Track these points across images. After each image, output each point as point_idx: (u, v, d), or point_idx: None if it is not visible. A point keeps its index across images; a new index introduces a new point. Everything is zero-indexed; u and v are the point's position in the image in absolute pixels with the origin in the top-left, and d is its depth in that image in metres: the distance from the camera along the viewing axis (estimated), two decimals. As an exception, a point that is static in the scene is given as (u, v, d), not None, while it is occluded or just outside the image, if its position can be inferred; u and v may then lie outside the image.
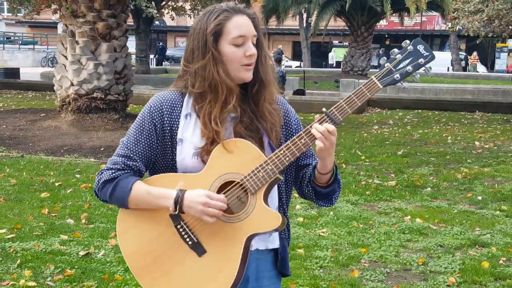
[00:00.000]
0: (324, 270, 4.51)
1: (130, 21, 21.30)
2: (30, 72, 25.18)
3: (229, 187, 1.93)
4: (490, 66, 41.43)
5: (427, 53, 1.97)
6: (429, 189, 7.12)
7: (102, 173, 2.01)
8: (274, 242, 2.08)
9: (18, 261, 4.49)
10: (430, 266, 4.63)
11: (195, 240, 1.95)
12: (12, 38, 42.89)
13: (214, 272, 1.93)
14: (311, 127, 1.93)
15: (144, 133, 2.00)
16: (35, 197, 6.30)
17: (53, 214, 5.73)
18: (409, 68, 1.96)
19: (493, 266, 4.58)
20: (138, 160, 2.00)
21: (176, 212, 1.90)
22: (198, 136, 1.98)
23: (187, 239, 1.95)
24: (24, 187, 6.71)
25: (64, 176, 7.30)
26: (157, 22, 36.98)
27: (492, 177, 7.79)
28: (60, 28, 21.67)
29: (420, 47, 1.97)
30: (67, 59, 11.59)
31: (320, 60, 43.30)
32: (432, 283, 4.30)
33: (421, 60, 1.96)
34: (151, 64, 32.05)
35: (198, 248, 1.95)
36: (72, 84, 11.41)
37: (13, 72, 23.13)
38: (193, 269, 1.96)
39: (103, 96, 11.41)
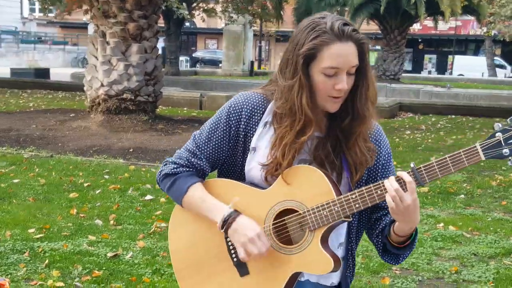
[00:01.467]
0: (355, 277, 4.40)
1: (161, 22, 21.44)
2: (60, 73, 25.49)
3: (291, 215, 1.82)
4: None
5: None
6: (462, 196, 6.95)
7: (166, 164, 1.95)
8: (329, 278, 1.93)
9: (46, 261, 4.49)
10: (463, 275, 4.50)
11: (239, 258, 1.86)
12: (43, 38, 43.56)
13: None
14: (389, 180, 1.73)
15: (217, 132, 1.90)
16: (64, 197, 6.32)
17: (82, 215, 5.73)
18: None
19: (529, 277, 4.43)
20: (203, 159, 1.91)
21: (222, 230, 1.82)
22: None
23: (233, 256, 1.87)
24: (53, 187, 6.74)
25: (93, 176, 7.32)
26: (187, 24, 37.19)
27: (528, 185, 7.58)
28: (90, 28, 21.91)
29: None
30: (97, 59, 11.66)
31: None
32: (466, 294, 4.17)
33: None
34: (181, 67, 32.23)
35: (242, 268, 1.87)
36: (102, 85, 11.48)
37: (43, 72, 23.44)
38: (231, 287, 1.89)
39: (133, 97, 11.45)
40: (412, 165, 1.75)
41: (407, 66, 32.75)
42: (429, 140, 11.32)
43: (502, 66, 40.26)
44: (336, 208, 1.77)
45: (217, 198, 1.87)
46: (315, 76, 1.77)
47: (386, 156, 1.94)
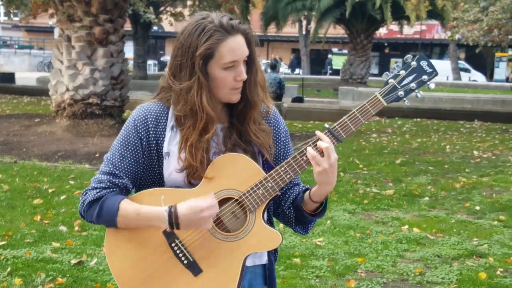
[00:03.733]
0: (320, 280, 4.44)
1: (128, 26, 21.31)
2: (26, 77, 25.10)
3: (226, 204, 1.85)
4: (490, 75, 41.49)
5: (431, 70, 1.93)
6: (427, 198, 7.06)
7: (86, 193, 1.89)
8: (262, 257, 1.99)
9: (9, 269, 4.41)
10: (427, 276, 4.56)
11: (191, 259, 1.85)
12: (8, 42, 42.88)
13: None
14: (309, 144, 1.85)
15: (129, 147, 1.89)
16: (28, 204, 6.22)
17: (46, 221, 5.65)
18: (413, 85, 1.92)
19: (490, 277, 4.52)
20: (124, 177, 1.89)
21: (174, 230, 1.81)
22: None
23: (182, 258, 1.85)
24: (17, 193, 6.63)
25: (58, 182, 7.22)
26: (155, 28, 36.99)
27: (490, 187, 7.73)
28: (56, 32, 21.66)
29: (424, 63, 1.93)
30: (63, 64, 11.53)
31: (320, 67, 43.38)
32: (429, 295, 4.23)
33: (425, 77, 1.93)
34: (148, 70, 32.00)
35: (194, 268, 1.85)
36: (67, 89, 11.34)
37: (9, 77, 23.06)
38: None
39: (99, 102, 11.33)
40: (326, 125, 1.88)
41: (374, 69, 33.13)
42: (395, 143, 11.47)
43: (466, 70, 41.01)
44: (270, 184, 1.84)
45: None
46: (215, 73, 1.85)
47: (285, 133, 2.04)
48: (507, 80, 38.45)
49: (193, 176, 1.86)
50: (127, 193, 1.92)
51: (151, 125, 1.91)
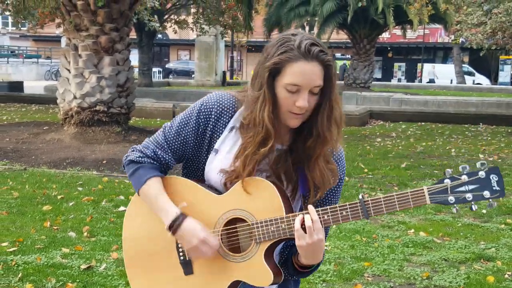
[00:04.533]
0: (327, 285, 4.47)
1: (133, 34, 21.40)
2: (33, 86, 25.23)
3: (243, 224, 1.86)
4: (494, 78, 41.44)
5: (498, 189, 1.74)
6: (432, 202, 7.06)
7: (133, 150, 1.98)
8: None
9: (20, 274, 4.46)
10: (434, 280, 4.57)
11: (187, 259, 1.91)
12: (16, 52, 43.13)
13: None
14: (304, 213, 1.79)
15: (186, 128, 1.92)
16: (37, 210, 6.29)
17: (55, 227, 5.71)
18: (469, 196, 1.74)
19: (498, 281, 4.53)
20: (169, 153, 1.94)
21: (169, 233, 1.86)
22: (233, 156, 1.88)
23: (181, 254, 1.92)
24: (27, 200, 6.70)
25: (66, 189, 7.28)
26: (159, 36, 37.14)
27: (496, 190, 7.72)
28: (63, 42, 21.77)
29: (493, 178, 1.74)
30: (70, 72, 11.62)
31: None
32: (436, 298, 4.25)
33: (486, 193, 1.74)
34: (153, 78, 32.09)
35: (187, 267, 1.91)
36: (75, 97, 11.43)
37: (17, 86, 23.21)
38: (174, 284, 1.94)
39: (105, 109, 11.42)
40: (360, 197, 1.79)
41: (377, 74, 33.16)
42: (400, 147, 11.49)
43: (470, 73, 40.97)
44: (283, 226, 1.81)
45: (173, 195, 1.90)
46: (278, 90, 1.79)
47: (338, 182, 1.95)
48: (511, 83, 38.38)
49: (233, 180, 1.86)
50: (167, 168, 1.98)
51: (213, 117, 1.90)
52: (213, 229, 1.88)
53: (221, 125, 1.90)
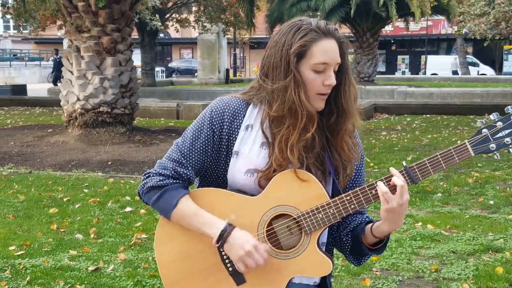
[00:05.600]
0: (335, 280, 4.45)
1: (135, 34, 21.41)
2: (37, 88, 25.28)
3: (282, 221, 1.82)
4: (498, 69, 41.28)
5: None
6: (439, 194, 7.05)
7: (149, 176, 1.89)
8: (312, 278, 1.94)
9: (28, 278, 4.46)
10: (443, 273, 4.55)
11: (236, 268, 1.84)
12: (18, 55, 43.24)
13: None
14: (381, 179, 1.82)
15: (201, 138, 1.87)
16: (44, 213, 6.29)
17: (62, 230, 5.71)
18: (508, 140, 1.80)
19: (507, 272, 4.50)
20: (189, 168, 1.87)
21: (217, 245, 1.79)
22: (257, 153, 1.85)
23: (228, 265, 1.85)
24: (33, 203, 6.70)
25: (72, 191, 7.29)
26: (161, 35, 37.15)
27: (503, 181, 7.70)
28: (65, 43, 21.82)
29: None
30: (72, 74, 11.63)
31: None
32: (445, 290, 4.23)
33: None
34: (156, 77, 32.09)
35: (238, 277, 1.84)
36: (78, 99, 11.45)
37: (20, 89, 23.26)
38: None
39: (109, 110, 11.43)
40: (404, 164, 1.82)
41: (381, 67, 33.10)
42: (405, 140, 11.45)
43: (474, 64, 40.83)
44: (331, 211, 1.80)
45: (207, 208, 1.85)
46: (305, 74, 1.81)
47: (361, 159, 2.00)
48: (516, 73, 38.21)
49: (272, 176, 1.82)
50: (189, 184, 1.91)
51: (226, 120, 1.87)
52: (257, 232, 1.83)
53: (235, 126, 1.87)
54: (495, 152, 1.81)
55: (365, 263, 2.01)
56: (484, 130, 1.81)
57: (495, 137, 1.80)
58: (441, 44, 47.70)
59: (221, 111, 1.87)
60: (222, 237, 1.77)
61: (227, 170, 1.88)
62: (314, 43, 1.79)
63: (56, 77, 25.45)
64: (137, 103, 12.33)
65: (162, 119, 15.32)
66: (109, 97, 11.44)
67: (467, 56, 40.06)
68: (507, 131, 1.80)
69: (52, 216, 6.17)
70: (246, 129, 1.87)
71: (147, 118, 15.24)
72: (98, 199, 6.82)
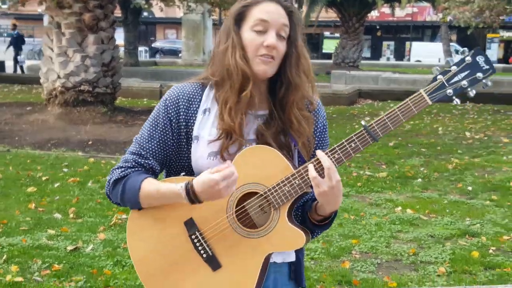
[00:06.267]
0: (315, 262, 4.48)
1: (118, 12, 21.17)
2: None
3: (252, 198, 1.79)
4: (481, 57, 41.55)
5: (487, 67, 1.76)
6: (420, 180, 7.10)
7: (112, 172, 1.87)
8: (291, 255, 1.93)
9: (5, 256, 4.42)
10: (420, 256, 4.61)
11: (210, 254, 1.81)
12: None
13: None
14: (312, 162, 1.76)
15: (158, 129, 1.86)
16: (22, 192, 6.22)
17: (40, 209, 5.65)
18: (464, 82, 1.76)
19: (483, 256, 4.58)
20: (150, 158, 1.85)
21: (191, 203, 1.73)
22: (215, 134, 1.82)
23: (202, 252, 1.82)
24: (11, 181, 6.62)
25: (51, 170, 7.22)
26: (145, 14, 36.79)
27: (482, 168, 7.78)
28: (46, 20, 21.49)
29: (480, 59, 1.77)
30: (53, 51, 11.46)
31: (312, 51, 43.26)
32: (422, 273, 4.28)
33: (479, 75, 1.76)
34: (140, 57, 31.80)
35: (213, 262, 1.81)
36: (58, 77, 11.29)
37: (-2, 65, 22.88)
38: (206, 284, 1.83)
39: (90, 89, 11.30)
40: (363, 123, 1.78)
41: (366, 53, 33.16)
42: (388, 126, 11.48)
43: (457, 52, 41.04)
44: (297, 182, 1.76)
45: None
46: (245, 36, 1.79)
47: (322, 127, 1.95)
48: (498, 61, 38.55)
49: (228, 145, 1.80)
50: (154, 174, 1.88)
51: (182, 107, 1.85)
52: (227, 214, 1.80)
53: (192, 112, 1.85)
54: (453, 97, 1.76)
55: (315, 238, 1.99)
56: (439, 77, 1.77)
57: (451, 82, 1.76)
58: (426, 31, 47.84)
59: (175, 99, 1.86)
60: (192, 198, 1.72)
61: (190, 158, 1.86)
62: (255, 5, 1.79)
63: (16, 54, 24.84)
64: (119, 82, 12.21)
65: (145, 99, 15.21)
66: (90, 76, 11.31)
67: (451, 43, 40.23)
68: (463, 74, 1.76)
69: (30, 195, 6.11)
70: (204, 113, 1.86)
71: (129, 98, 15.12)
72: (78, 178, 6.76)
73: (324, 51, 42.87)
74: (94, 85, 11.36)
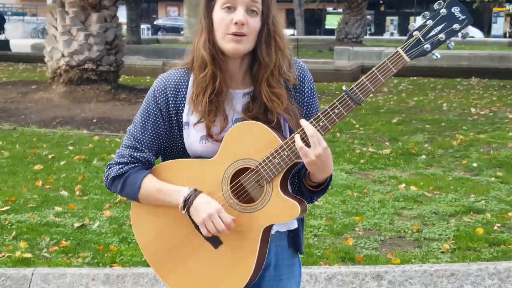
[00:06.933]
0: (318, 239, 4.51)
1: (121, -10, 20.98)
2: (20, 44, 24.85)
3: (245, 173, 1.83)
4: (487, 31, 41.18)
5: (463, 17, 1.73)
6: (424, 156, 7.11)
7: (110, 167, 1.92)
8: (293, 222, 1.98)
9: (14, 233, 4.48)
10: (424, 233, 4.63)
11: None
12: (1, 9, 42.33)
13: (232, 264, 1.86)
14: (298, 132, 1.78)
15: (150, 119, 1.89)
16: (29, 170, 6.27)
17: (47, 187, 5.70)
18: (442, 36, 1.72)
19: (487, 232, 4.59)
20: (145, 151, 1.90)
21: (184, 211, 1.82)
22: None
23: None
24: (17, 159, 6.67)
25: (57, 148, 7.26)
26: (148, -9, 36.51)
27: (487, 144, 7.78)
28: (50, -2, 21.39)
29: (455, 10, 1.72)
30: (57, 30, 11.45)
31: (314, 27, 42.98)
32: (426, 250, 4.30)
33: (456, 26, 1.72)
34: (142, 35, 31.65)
35: (214, 240, 1.86)
36: (63, 56, 11.29)
37: (3, 44, 22.87)
38: (209, 261, 1.88)
39: (94, 67, 11.30)
40: (344, 88, 1.77)
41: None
42: (391, 102, 11.48)
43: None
44: (286, 153, 1.77)
45: (171, 180, 1.87)
46: (215, 16, 1.81)
47: (309, 94, 1.95)
48: (505, 35, 38.21)
49: (210, 129, 1.84)
50: (150, 166, 1.93)
51: (170, 95, 1.88)
52: (222, 191, 1.84)
53: (180, 99, 1.88)
54: (432, 52, 1.74)
55: (316, 201, 2.03)
56: (415, 32, 1.74)
57: (427, 36, 1.73)
58: (430, 6, 47.41)
59: (162, 88, 1.89)
60: (187, 202, 1.80)
61: (184, 143, 1.90)
62: None
63: None
64: (123, 60, 12.20)
65: (148, 77, 15.18)
66: (94, 54, 11.30)
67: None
68: (439, 27, 1.73)
69: (37, 173, 6.16)
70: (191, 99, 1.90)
71: (132, 76, 15.10)
72: (83, 156, 6.81)
73: (326, 26, 42.59)
74: (97, 63, 11.37)
